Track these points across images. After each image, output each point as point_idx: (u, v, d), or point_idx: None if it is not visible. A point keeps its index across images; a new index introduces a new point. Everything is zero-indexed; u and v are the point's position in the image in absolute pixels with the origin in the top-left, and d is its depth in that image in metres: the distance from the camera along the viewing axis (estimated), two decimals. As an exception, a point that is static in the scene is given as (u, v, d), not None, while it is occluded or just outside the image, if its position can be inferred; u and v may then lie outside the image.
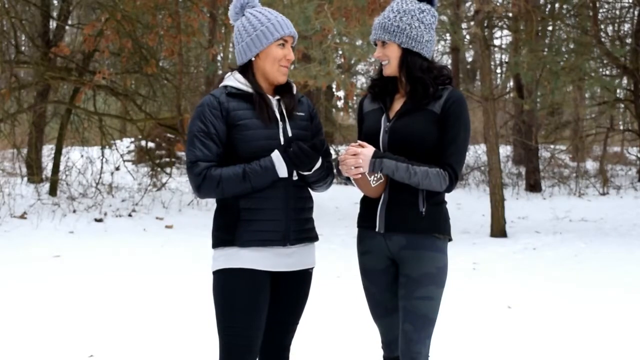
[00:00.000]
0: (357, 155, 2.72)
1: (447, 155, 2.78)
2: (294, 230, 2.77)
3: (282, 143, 2.72)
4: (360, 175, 2.74)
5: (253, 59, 2.77)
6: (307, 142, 2.75)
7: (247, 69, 2.79)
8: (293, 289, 2.83)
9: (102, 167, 13.19)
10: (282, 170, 2.68)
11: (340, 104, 17.73)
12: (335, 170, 2.86)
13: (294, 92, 2.85)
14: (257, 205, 2.71)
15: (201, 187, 2.69)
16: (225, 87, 2.78)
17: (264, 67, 2.76)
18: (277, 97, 2.80)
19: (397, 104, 2.87)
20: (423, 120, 2.79)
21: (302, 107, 2.87)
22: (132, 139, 18.92)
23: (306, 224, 2.83)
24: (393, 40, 2.81)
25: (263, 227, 2.71)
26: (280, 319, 2.83)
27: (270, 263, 2.74)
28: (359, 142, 2.77)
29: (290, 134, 2.75)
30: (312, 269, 2.89)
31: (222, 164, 2.71)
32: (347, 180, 2.84)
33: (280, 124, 2.75)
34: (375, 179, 2.77)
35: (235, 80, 2.78)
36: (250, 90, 2.76)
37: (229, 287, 2.72)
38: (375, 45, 2.90)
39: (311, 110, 2.91)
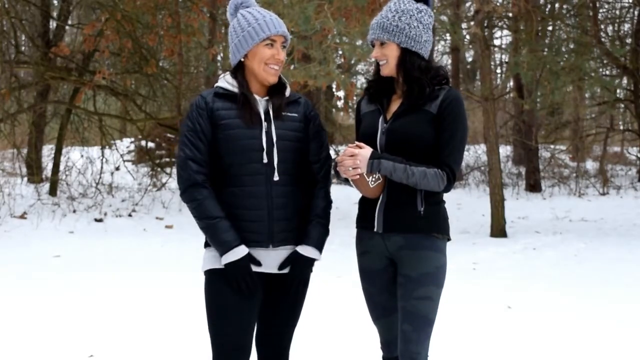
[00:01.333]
0: (355, 157, 2.71)
1: (445, 155, 2.77)
2: (281, 231, 2.74)
3: (264, 144, 2.70)
4: (358, 176, 2.74)
5: (242, 59, 2.78)
6: (295, 147, 2.76)
7: (238, 70, 2.80)
8: (288, 290, 2.79)
9: (102, 167, 13.21)
10: (225, 257, 2.65)
11: (340, 104, 17.71)
12: (332, 172, 2.86)
13: (286, 92, 2.82)
14: (238, 205, 2.71)
15: (184, 194, 2.73)
16: (215, 87, 2.82)
17: (252, 67, 2.76)
18: (266, 98, 2.78)
19: (394, 105, 2.87)
20: (420, 121, 2.78)
21: (297, 108, 2.83)
22: (132, 139, 18.93)
23: (295, 225, 2.78)
24: (392, 40, 2.81)
25: (245, 228, 2.70)
26: (277, 320, 2.82)
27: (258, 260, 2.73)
28: (357, 143, 2.77)
29: (274, 135, 2.72)
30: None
31: (210, 164, 2.73)
32: (346, 182, 2.83)
33: (265, 124, 2.72)
34: (373, 179, 2.77)
35: (224, 81, 2.81)
36: (236, 90, 2.77)
37: (215, 286, 2.72)
38: (372, 45, 2.90)
39: (308, 112, 2.86)
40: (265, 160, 2.70)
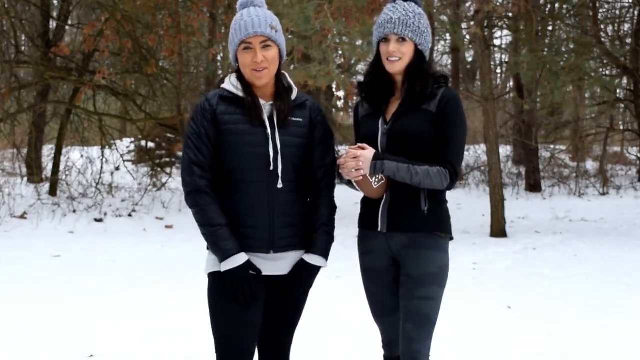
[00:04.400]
0: (358, 158, 2.71)
1: (447, 153, 2.78)
2: (283, 238, 2.71)
3: (270, 152, 2.65)
4: (361, 178, 2.74)
5: (236, 64, 2.73)
6: (299, 153, 2.71)
7: (241, 72, 2.74)
8: (291, 295, 2.77)
9: (102, 167, 13.20)
10: (224, 265, 2.62)
11: (340, 104, 17.73)
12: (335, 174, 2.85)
13: (292, 96, 2.76)
14: (239, 211, 2.67)
15: (188, 198, 2.68)
16: (220, 89, 2.75)
17: (243, 72, 2.71)
18: (271, 102, 2.72)
19: (393, 106, 2.88)
20: (420, 120, 2.79)
21: (303, 112, 2.76)
22: (132, 139, 18.93)
23: (298, 231, 2.75)
24: (414, 39, 2.82)
25: (245, 234, 2.66)
26: (279, 323, 2.81)
27: (258, 266, 2.69)
28: (359, 144, 2.77)
29: (278, 142, 2.67)
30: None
31: (215, 168, 2.68)
32: (348, 184, 2.82)
33: (269, 130, 2.67)
34: (376, 180, 2.77)
35: (229, 84, 2.73)
36: (241, 94, 2.70)
37: (218, 289, 2.69)
38: (381, 41, 2.85)
39: (314, 117, 2.79)
40: (270, 168, 2.66)
